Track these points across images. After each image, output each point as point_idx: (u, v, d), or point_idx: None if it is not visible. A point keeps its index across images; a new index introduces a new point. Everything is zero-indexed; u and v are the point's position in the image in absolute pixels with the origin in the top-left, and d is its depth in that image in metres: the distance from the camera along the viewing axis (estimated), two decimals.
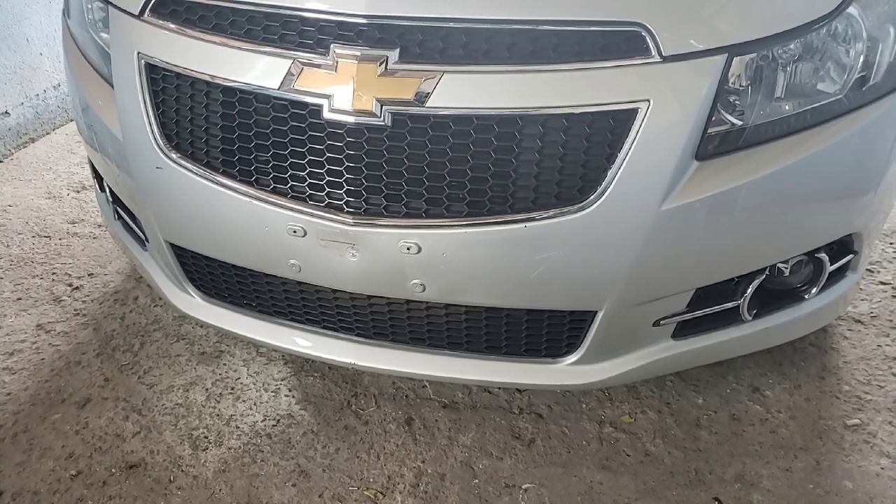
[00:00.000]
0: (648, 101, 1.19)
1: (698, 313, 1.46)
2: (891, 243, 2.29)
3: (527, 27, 1.21)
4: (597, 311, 1.39)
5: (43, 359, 1.92)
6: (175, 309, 1.73)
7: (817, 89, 1.32)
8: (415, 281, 1.36)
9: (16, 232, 2.47)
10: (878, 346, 1.91)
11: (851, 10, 1.28)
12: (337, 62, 1.25)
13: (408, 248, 1.31)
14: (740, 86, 1.26)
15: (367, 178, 1.29)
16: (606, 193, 1.23)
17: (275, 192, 1.36)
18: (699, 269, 1.38)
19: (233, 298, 1.65)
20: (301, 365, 1.87)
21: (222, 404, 1.77)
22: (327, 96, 1.26)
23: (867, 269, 2.14)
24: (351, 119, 1.26)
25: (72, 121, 3.30)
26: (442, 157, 1.25)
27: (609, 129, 1.21)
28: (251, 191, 1.37)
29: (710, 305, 1.47)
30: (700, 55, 1.21)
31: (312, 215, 1.34)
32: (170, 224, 1.54)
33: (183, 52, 1.36)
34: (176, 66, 1.37)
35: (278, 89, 1.28)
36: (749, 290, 1.46)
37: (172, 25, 1.38)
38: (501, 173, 1.25)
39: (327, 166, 1.30)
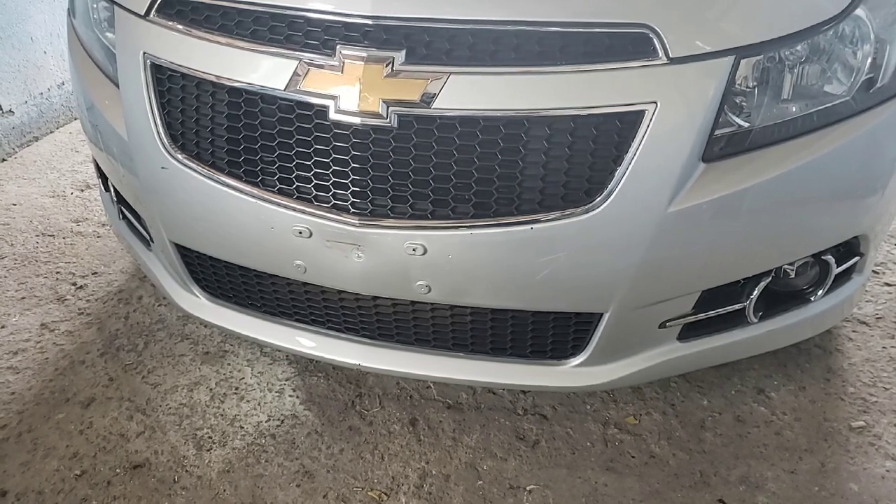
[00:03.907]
0: (655, 102, 1.19)
1: (704, 315, 1.46)
2: None
3: (533, 28, 1.21)
4: (603, 313, 1.39)
5: (47, 358, 1.92)
6: (179, 309, 1.73)
7: (824, 91, 1.31)
8: (420, 282, 1.36)
9: (20, 231, 2.47)
10: (883, 347, 1.90)
11: (859, 11, 1.28)
12: (343, 63, 1.25)
13: (413, 250, 1.31)
14: (747, 87, 1.26)
15: (373, 179, 1.29)
16: (613, 195, 1.23)
17: (280, 192, 1.36)
18: (705, 271, 1.38)
19: (237, 299, 1.65)
20: (305, 365, 1.87)
21: (226, 404, 1.77)
22: (333, 97, 1.26)
23: (872, 271, 2.13)
24: (357, 120, 1.25)
25: (75, 119, 3.30)
26: (448, 158, 1.25)
27: (616, 131, 1.21)
28: (256, 191, 1.37)
29: (716, 307, 1.46)
30: (707, 57, 1.20)
31: (318, 216, 1.33)
32: (175, 224, 1.54)
33: (189, 52, 1.36)
34: (181, 66, 1.37)
35: (284, 90, 1.28)
36: (755, 292, 1.45)
37: (178, 26, 1.38)
38: (508, 175, 1.24)
39: (333, 167, 1.30)
